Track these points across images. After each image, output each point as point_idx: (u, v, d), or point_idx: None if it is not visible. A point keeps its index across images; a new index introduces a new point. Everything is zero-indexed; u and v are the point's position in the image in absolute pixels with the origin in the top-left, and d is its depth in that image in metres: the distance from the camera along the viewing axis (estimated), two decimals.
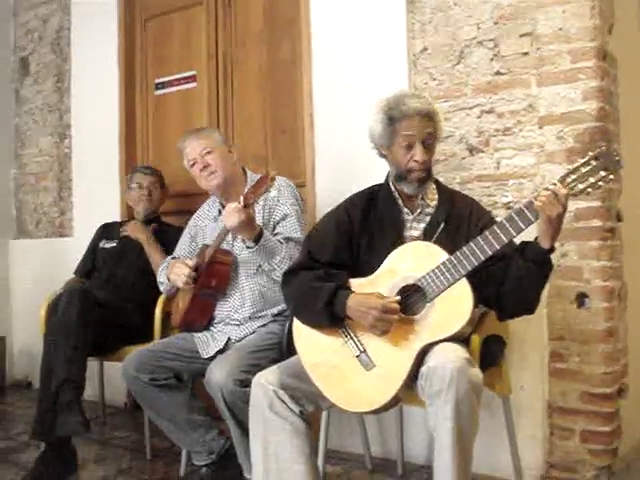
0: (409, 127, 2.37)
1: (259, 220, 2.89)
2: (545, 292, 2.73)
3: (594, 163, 2.05)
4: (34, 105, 5.11)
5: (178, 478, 3.08)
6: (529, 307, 2.30)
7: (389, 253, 2.32)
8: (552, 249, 2.15)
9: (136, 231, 3.71)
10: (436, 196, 2.48)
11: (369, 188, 2.59)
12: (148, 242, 3.63)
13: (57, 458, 3.05)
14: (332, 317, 2.30)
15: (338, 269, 2.42)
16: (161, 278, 3.18)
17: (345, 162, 3.29)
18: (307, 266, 2.45)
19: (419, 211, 2.46)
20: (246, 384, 2.45)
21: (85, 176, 4.69)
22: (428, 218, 2.44)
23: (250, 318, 2.94)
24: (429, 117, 2.39)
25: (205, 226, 3.17)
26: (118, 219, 4.21)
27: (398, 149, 2.40)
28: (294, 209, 2.98)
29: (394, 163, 2.45)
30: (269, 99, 3.90)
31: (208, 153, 3.02)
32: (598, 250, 2.83)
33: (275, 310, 2.96)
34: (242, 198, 2.67)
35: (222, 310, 3.01)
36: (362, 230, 2.48)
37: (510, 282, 2.21)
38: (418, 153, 2.38)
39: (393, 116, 2.38)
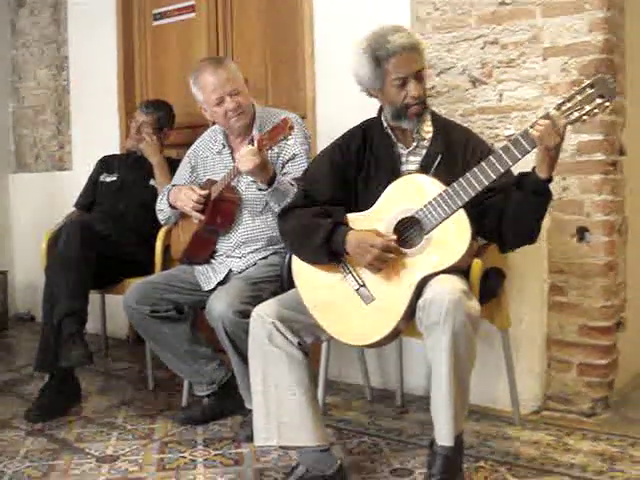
0: (398, 65, 2.30)
1: (268, 158, 2.79)
2: (545, 225, 2.74)
3: (590, 91, 2.02)
4: (31, 37, 5.03)
5: (180, 408, 3.12)
6: (530, 237, 2.29)
7: (385, 188, 2.30)
8: (550, 179, 2.13)
9: (150, 151, 3.63)
10: (431, 128, 2.43)
11: (362, 123, 2.54)
12: (160, 166, 3.58)
13: (61, 389, 3.11)
14: (330, 253, 2.29)
15: (334, 206, 2.40)
16: (161, 205, 3.13)
17: (346, 92, 3.21)
18: (303, 205, 2.43)
19: (415, 145, 2.42)
20: (246, 315, 2.45)
21: (83, 109, 4.65)
22: (424, 151, 2.40)
23: (251, 252, 2.94)
24: (415, 50, 2.33)
25: (207, 157, 3.10)
26: (117, 152, 4.18)
27: (391, 89, 2.35)
28: (303, 148, 2.93)
29: (389, 102, 2.38)
30: (269, 29, 3.83)
31: (237, 94, 2.90)
32: (600, 184, 2.82)
33: (278, 246, 2.93)
34: (256, 142, 2.60)
35: (224, 245, 3.00)
36: (357, 166, 2.45)
37: (509, 214, 2.19)
38: (413, 89, 2.32)
39: (379, 56, 2.31)
